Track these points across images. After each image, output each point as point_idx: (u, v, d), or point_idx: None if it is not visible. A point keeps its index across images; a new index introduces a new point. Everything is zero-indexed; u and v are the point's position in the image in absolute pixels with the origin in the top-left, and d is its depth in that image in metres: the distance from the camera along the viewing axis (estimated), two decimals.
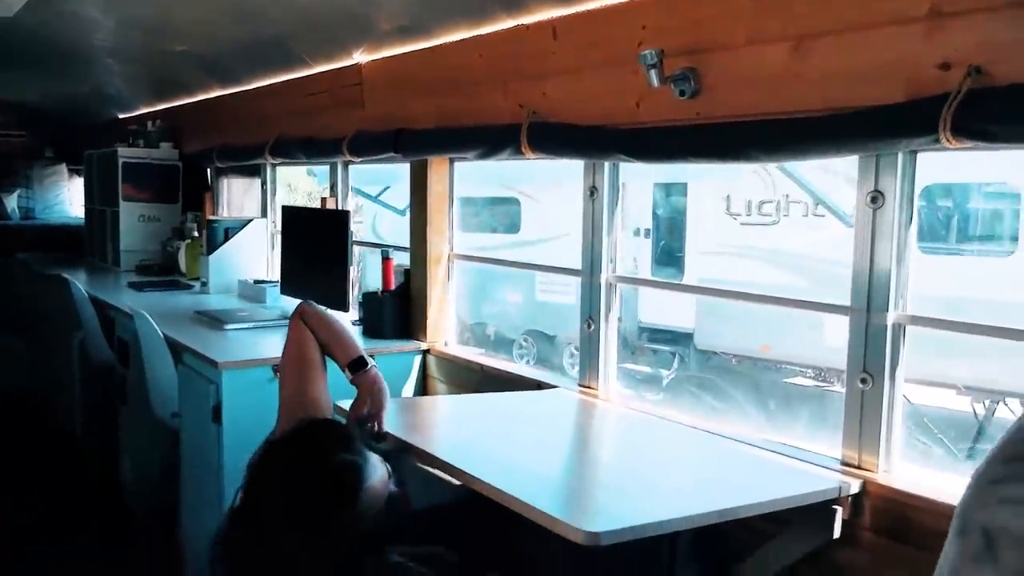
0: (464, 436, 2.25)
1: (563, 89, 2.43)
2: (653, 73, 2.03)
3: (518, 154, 2.54)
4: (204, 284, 4.35)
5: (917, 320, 1.79)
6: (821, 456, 1.94)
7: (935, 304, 2.01)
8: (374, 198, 9.12)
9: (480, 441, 2.15)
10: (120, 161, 5.13)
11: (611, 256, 2.48)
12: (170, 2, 3.52)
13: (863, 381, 1.84)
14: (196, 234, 4.78)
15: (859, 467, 1.84)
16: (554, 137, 2.42)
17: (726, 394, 6.84)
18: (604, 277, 2.49)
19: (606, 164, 2.45)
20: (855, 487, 1.78)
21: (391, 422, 2.04)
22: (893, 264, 1.78)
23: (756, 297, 2.43)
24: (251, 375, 2.79)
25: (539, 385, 2.62)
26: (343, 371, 2.09)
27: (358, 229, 9.45)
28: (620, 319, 2.52)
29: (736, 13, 1.95)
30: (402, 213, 8.94)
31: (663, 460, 2.01)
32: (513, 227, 8.75)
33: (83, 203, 6.24)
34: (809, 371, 6.74)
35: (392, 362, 3.05)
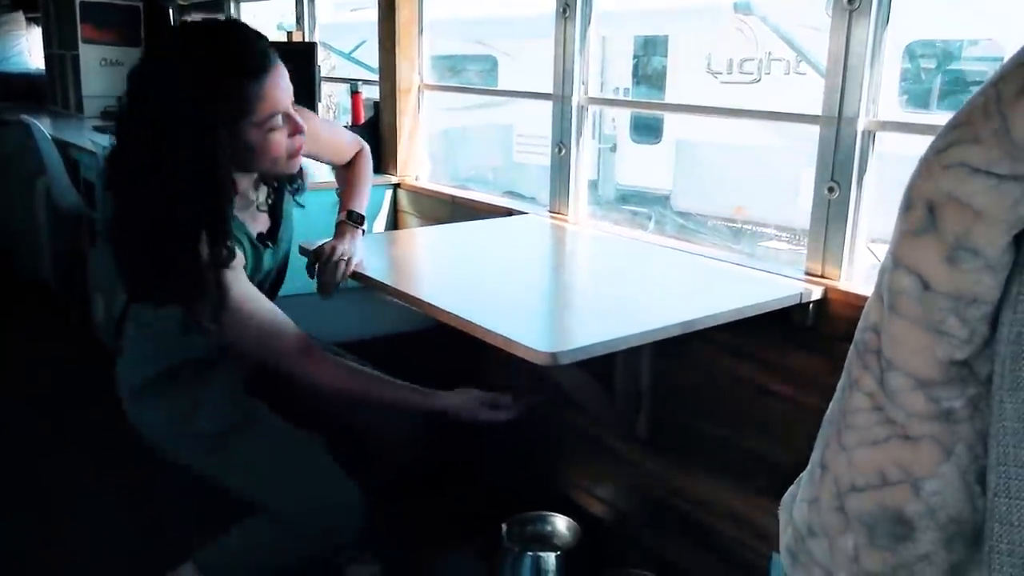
0: (431, 267, 2.25)
1: None
2: None
3: None
4: None
5: (887, 125, 1.76)
6: (786, 269, 1.96)
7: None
8: (347, 55, 8.84)
9: (446, 271, 2.14)
10: (77, 2, 4.89)
11: (583, 78, 2.42)
12: None
13: (830, 190, 1.83)
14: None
15: (822, 276, 1.86)
16: None
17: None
18: (576, 99, 2.43)
19: None
20: (816, 294, 1.80)
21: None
22: (867, 68, 1.74)
23: (729, 112, 2.38)
24: None
25: (509, 213, 2.60)
26: (340, 213, 2.02)
27: (333, 91, 9.25)
28: (596, 179, 2.48)
29: None
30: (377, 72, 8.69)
31: (629, 278, 2.01)
32: (491, 84, 8.54)
33: (42, 51, 5.99)
34: (784, 235, 6.78)
35: None
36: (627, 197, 7.46)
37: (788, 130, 6.50)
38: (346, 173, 2.14)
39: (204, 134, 1.46)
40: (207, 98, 1.45)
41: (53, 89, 5.59)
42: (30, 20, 6.73)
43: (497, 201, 2.73)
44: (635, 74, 7.63)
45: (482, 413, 1.73)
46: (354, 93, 3.27)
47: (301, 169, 1.81)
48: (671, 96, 7.14)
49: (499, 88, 7.27)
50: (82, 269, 3.99)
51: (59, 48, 5.38)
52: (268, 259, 1.83)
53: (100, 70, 5.05)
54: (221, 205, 1.53)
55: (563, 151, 2.48)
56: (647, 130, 7.55)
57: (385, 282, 1.87)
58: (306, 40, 3.77)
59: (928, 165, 0.60)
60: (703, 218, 7.14)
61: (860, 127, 1.77)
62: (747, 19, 6.93)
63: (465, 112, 8.12)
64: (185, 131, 1.45)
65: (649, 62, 7.71)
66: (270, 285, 1.88)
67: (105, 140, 4.03)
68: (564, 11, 2.40)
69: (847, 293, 1.78)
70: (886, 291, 0.65)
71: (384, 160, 3.13)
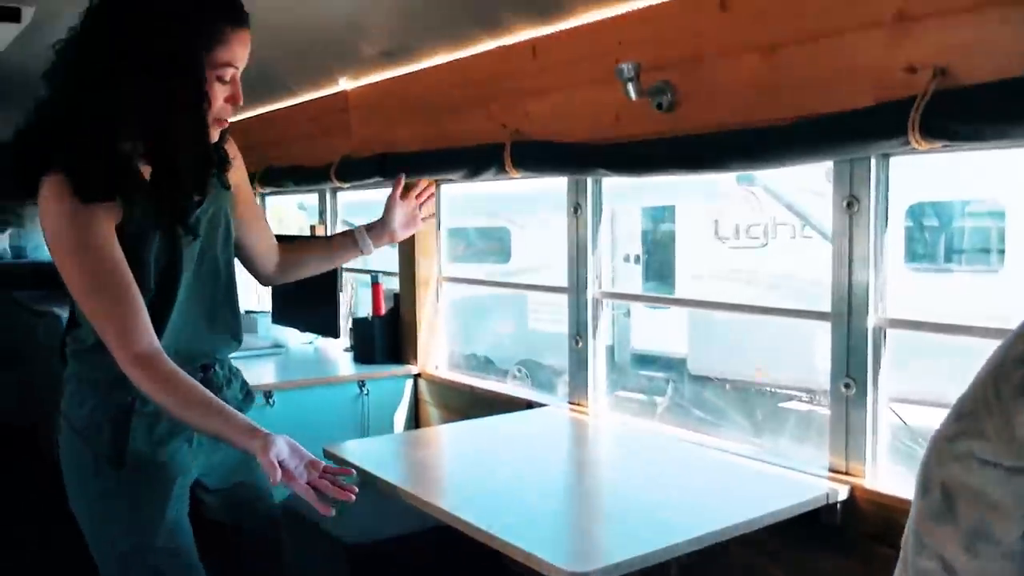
0: (450, 470, 2.24)
1: (544, 107, 2.45)
2: (631, 86, 2.05)
3: (502, 173, 2.56)
4: None
5: (897, 323, 1.80)
6: (809, 464, 1.94)
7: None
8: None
9: (466, 473, 2.13)
10: None
11: (597, 272, 2.50)
12: None
13: (846, 386, 1.84)
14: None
15: (847, 473, 1.84)
16: (537, 155, 2.45)
17: (720, 413, 6.82)
18: (590, 293, 2.50)
19: (589, 180, 2.47)
20: (843, 493, 1.78)
21: (380, 461, 2.03)
22: (871, 268, 1.80)
23: (739, 307, 2.43)
24: None
25: (529, 404, 2.62)
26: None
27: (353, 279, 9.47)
28: (612, 344, 2.53)
29: (707, 26, 1.98)
30: (391, 244, 8.95)
31: (654, 479, 1.99)
32: (503, 256, 8.78)
33: None
34: (803, 395, 6.74)
35: (384, 387, 3.06)
36: (643, 362, 7.48)
37: (800, 292, 6.59)
38: (294, 252, 2.02)
39: (183, 51, 1.47)
40: (186, 17, 1.48)
41: None
42: None
43: (516, 392, 2.75)
44: (644, 240, 7.82)
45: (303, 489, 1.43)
46: (374, 284, 3.37)
47: (225, 145, 1.71)
48: (680, 260, 7.29)
49: (517, 282, 7.46)
50: None
51: None
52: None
53: None
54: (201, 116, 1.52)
55: (580, 343, 2.52)
56: (659, 292, 7.64)
57: (405, 488, 1.87)
58: (328, 234, 3.92)
59: (939, 451, 0.62)
60: (721, 382, 7.12)
61: (870, 324, 1.81)
62: (752, 188, 7.13)
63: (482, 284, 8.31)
64: (164, 45, 1.46)
65: (657, 227, 7.92)
66: (167, 265, 1.62)
67: None
68: (575, 210, 2.51)
69: (874, 492, 1.76)
70: (912, 570, 0.66)
71: (403, 350, 3.19)
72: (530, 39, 2.48)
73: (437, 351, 3.17)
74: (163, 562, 1.63)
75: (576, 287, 2.53)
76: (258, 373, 3.18)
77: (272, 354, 3.44)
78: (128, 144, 1.54)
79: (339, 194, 3.96)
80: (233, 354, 3.12)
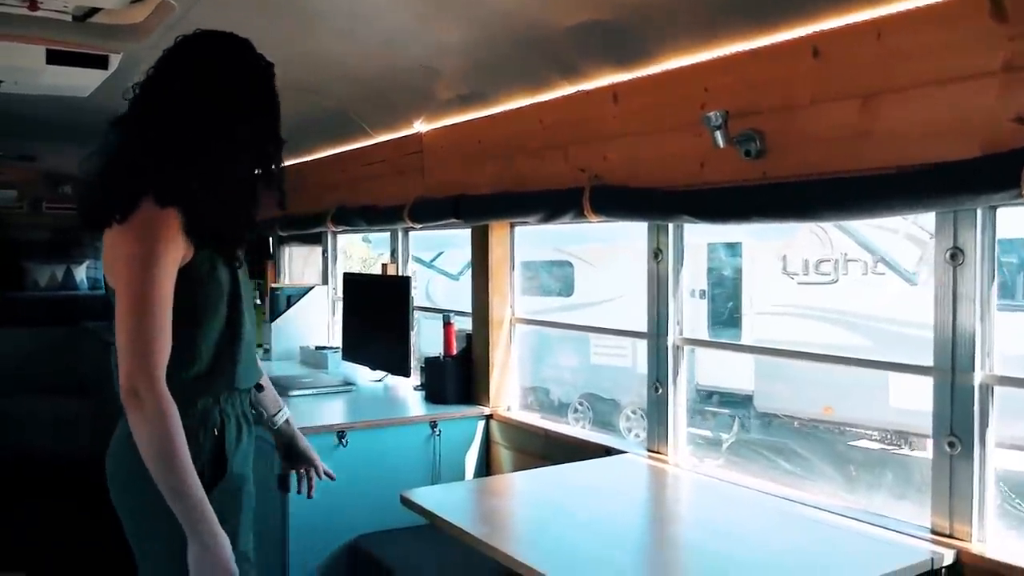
0: (524, 516, 2.21)
1: (625, 152, 2.44)
2: (718, 134, 2.03)
3: (580, 217, 2.55)
4: (267, 351, 4.41)
5: (1006, 380, 1.72)
6: (907, 524, 1.86)
7: (1015, 363, 1.93)
8: (428, 263, 9.23)
9: (541, 521, 2.09)
10: None
11: (677, 318, 2.46)
12: None
13: (951, 445, 1.76)
14: (259, 302, 4.87)
15: (951, 536, 1.76)
16: (617, 200, 2.43)
17: (792, 458, 6.66)
18: (671, 339, 2.46)
19: (670, 226, 2.44)
20: (949, 558, 1.70)
21: (454, 508, 2.01)
22: (977, 322, 1.73)
23: (830, 359, 2.36)
24: (315, 442, 2.73)
25: (606, 451, 2.58)
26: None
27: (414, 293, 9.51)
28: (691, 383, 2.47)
29: (799, 73, 1.95)
30: (456, 278, 9.02)
31: (739, 538, 1.92)
32: (567, 290, 8.76)
33: None
34: (875, 434, 6.54)
35: (455, 428, 3.04)
36: (709, 398, 7.36)
37: (875, 331, 6.42)
38: None
39: (272, 108, 1.77)
40: (270, 82, 1.78)
41: None
42: None
43: (592, 437, 2.70)
44: (710, 275, 7.72)
45: None
46: (447, 324, 3.37)
47: None
48: (747, 296, 7.18)
49: (584, 320, 7.44)
50: None
51: None
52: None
53: None
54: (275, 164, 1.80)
55: (660, 390, 2.47)
56: (725, 330, 7.53)
57: (478, 536, 1.85)
58: (400, 274, 3.95)
59: None
60: (789, 419, 6.96)
61: (977, 381, 1.73)
62: (822, 224, 7.00)
63: (543, 315, 8.30)
64: (260, 101, 1.75)
65: (724, 263, 7.82)
66: (232, 296, 1.77)
67: None
68: (656, 256, 2.48)
69: (983, 558, 1.68)
70: None
71: (476, 391, 3.17)
72: (610, 84, 2.47)
73: (509, 392, 3.15)
74: (250, 571, 1.75)
75: (656, 333, 2.49)
76: (329, 411, 3.19)
77: (343, 392, 3.45)
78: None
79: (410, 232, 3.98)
80: (306, 391, 3.24)
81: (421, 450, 2.98)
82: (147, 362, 1.54)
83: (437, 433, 3.00)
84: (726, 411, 7.25)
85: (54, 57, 3.19)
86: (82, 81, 3.40)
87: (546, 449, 2.82)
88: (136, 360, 1.54)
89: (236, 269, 1.76)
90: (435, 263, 9.38)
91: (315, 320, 4.48)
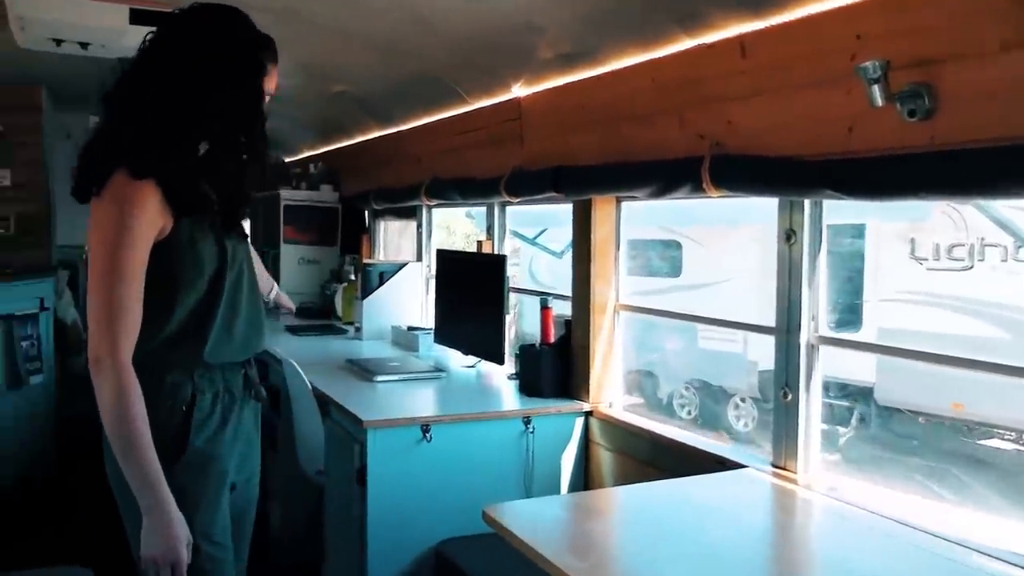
0: (625, 544, 1.88)
1: (753, 115, 2.07)
2: (876, 89, 1.65)
3: (698, 191, 2.20)
4: (358, 329, 4.23)
5: None
6: None
7: None
8: (531, 240, 8.95)
9: (644, 551, 1.75)
10: (282, 204, 5.15)
11: (812, 312, 2.09)
12: (331, 45, 3.44)
13: None
14: (352, 277, 4.70)
15: None
16: (743, 171, 2.07)
17: (917, 457, 6.12)
18: (804, 337, 2.09)
19: (806, 203, 2.07)
20: None
21: (544, 530, 1.76)
22: None
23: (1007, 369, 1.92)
24: (398, 435, 2.56)
25: (721, 462, 2.24)
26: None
27: (515, 273, 9.27)
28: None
29: (988, 10, 1.55)
30: (560, 256, 8.71)
31: None
32: (674, 271, 8.34)
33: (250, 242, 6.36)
34: (1009, 433, 5.95)
35: (551, 424, 2.76)
36: (825, 388, 6.86)
37: (1015, 323, 5.79)
38: None
39: (250, 77, 1.71)
40: (251, 50, 1.72)
41: None
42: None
43: (704, 444, 2.36)
44: (828, 258, 7.13)
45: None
46: (544, 308, 3.08)
47: None
48: (869, 282, 6.63)
49: (708, 315, 7.01)
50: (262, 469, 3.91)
51: (264, 245, 5.66)
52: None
53: (297, 268, 5.23)
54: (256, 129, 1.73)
55: (788, 396, 2.11)
56: (845, 318, 6.99)
57: (568, 569, 1.55)
58: (495, 252, 3.68)
59: None
60: (913, 415, 6.42)
61: None
62: (955, 204, 6.38)
63: (648, 297, 7.93)
64: (236, 71, 1.69)
65: (844, 246, 7.26)
66: (216, 269, 1.77)
67: (294, 343, 4.10)
68: (788, 237, 2.11)
69: None
70: None
71: (575, 385, 2.87)
72: (737, 35, 2.10)
73: (612, 387, 2.83)
74: (218, 554, 1.76)
75: (786, 328, 2.13)
76: (414, 400, 2.96)
77: (432, 378, 3.21)
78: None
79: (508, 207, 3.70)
80: (395, 376, 3.25)
81: (513, 448, 2.71)
82: (110, 332, 1.58)
83: (531, 430, 2.72)
84: (843, 403, 6.76)
85: (137, 16, 3.03)
86: None
87: (652, 454, 2.51)
88: (100, 330, 1.58)
89: (226, 242, 1.75)
90: (538, 240, 9.10)
91: (408, 299, 4.26)
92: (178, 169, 1.65)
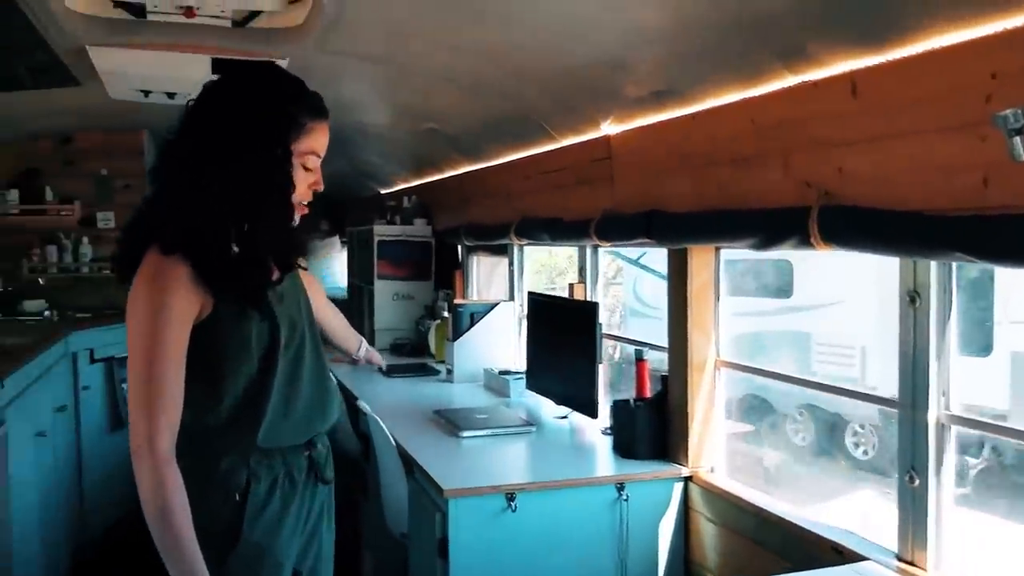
0: None
1: (867, 162, 1.83)
2: (1018, 142, 1.40)
3: (804, 245, 1.97)
4: (449, 372, 4.11)
5: None
6: None
7: None
8: (634, 261, 8.72)
9: None
10: (376, 239, 5.11)
11: (943, 387, 1.82)
12: (421, 86, 3.38)
13: None
14: (446, 314, 4.59)
15: None
16: (857, 226, 1.82)
17: None
18: (933, 415, 1.82)
19: (933, 263, 1.81)
20: None
21: None
22: None
23: None
24: (482, 504, 2.41)
25: (838, 551, 1.98)
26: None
27: (617, 291, 9.02)
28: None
29: None
30: (664, 278, 8.43)
31: None
32: (783, 291, 7.94)
33: (346, 278, 6.39)
34: None
35: (647, 491, 2.55)
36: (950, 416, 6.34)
37: None
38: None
39: (272, 140, 1.61)
40: (276, 110, 1.62)
41: (350, 317, 5.83)
42: (343, 243, 7.31)
43: (817, 528, 2.10)
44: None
45: None
46: (639, 360, 2.88)
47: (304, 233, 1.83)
48: (1000, 303, 6.10)
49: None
50: (353, 514, 3.84)
51: (359, 280, 5.64)
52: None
53: (391, 304, 5.17)
54: (284, 206, 1.65)
55: (916, 481, 1.85)
56: (974, 341, 6.46)
57: None
58: (588, 298, 3.50)
59: None
60: None
61: None
62: None
63: (755, 319, 7.56)
64: (255, 135, 1.59)
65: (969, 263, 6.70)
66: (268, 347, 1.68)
67: (385, 386, 4.03)
68: (912, 300, 1.85)
69: None
70: None
71: (672, 445, 2.65)
72: (848, 72, 1.86)
73: (713, 450, 2.60)
74: None
75: (911, 403, 1.86)
76: (504, 460, 2.81)
77: (522, 433, 3.05)
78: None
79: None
80: (483, 431, 3.09)
81: (605, 517, 2.51)
82: (148, 420, 1.49)
83: (625, 498, 2.51)
84: (974, 431, 6.24)
85: (219, 66, 3.01)
86: None
87: (759, 532, 2.26)
88: (139, 418, 1.50)
89: (278, 316, 1.67)
90: (642, 260, 8.86)
91: (500, 339, 4.11)
92: (205, 241, 1.56)
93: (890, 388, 1.97)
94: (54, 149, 5.18)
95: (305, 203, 1.71)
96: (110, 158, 5.23)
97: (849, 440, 7.20)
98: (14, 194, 4.99)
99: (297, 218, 1.70)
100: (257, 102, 1.62)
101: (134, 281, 1.55)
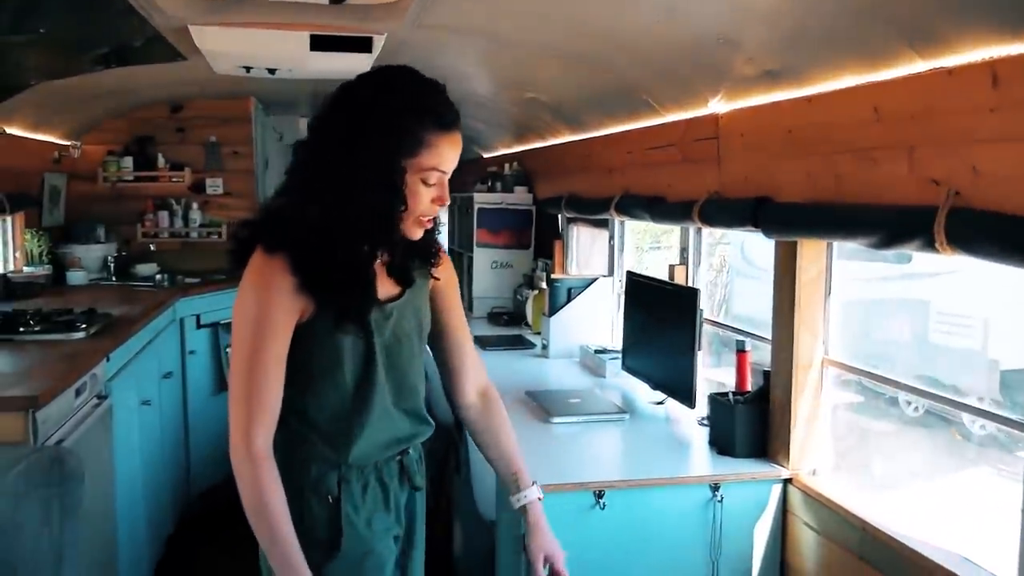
0: None
1: (1006, 161, 1.63)
2: None
3: (928, 248, 1.79)
4: (544, 347, 4.06)
5: None
6: None
7: None
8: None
9: None
10: (476, 206, 5.07)
11: None
12: (525, 59, 3.29)
13: None
14: (544, 285, 4.53)
15: None
16: (990, 232, 1.64)
17: None
18: None
19: None
20: None
21: None
22: None
23: None
24: (569, 500, 2.35)
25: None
26: (516, 485, 1.89)
27: (725, 251, 8.76)
28: None
29: None
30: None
31: None
32: (903, 255, 7.52)
33: (446, 244, 6.40)
34: None
35: (743, 493, 2.44)
36: None
37: None
38: (489, 419, 1.92)
39: (383, 155, 1.53)
40: (390, 124, 1.53)
41: None
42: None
43: (930, 551, 1.95)
44: None
45: None
46: (740, 352, 2.74)
47: (437, 242, 1.78)
48: None
49: (941, 310, 6.29)
50: (448, 483, 3.86)
51: (458, 246, 5.63)
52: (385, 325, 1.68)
53: (490, 272, 5.14)
54: (390, 221, 1.58)
55: None
56: None
57: None
58: (688, 283, 3.36)
59: None
60: None
61: None
62: None
63: (872, 285, 7.21)
64: (364, 149, 1.53)
65: None
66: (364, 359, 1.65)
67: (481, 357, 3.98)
68: None
69: None
70: None
71: (773, 445, 2.53)
72: (988, 60, 1.66)
73: (816, 452, 2.46)
74: None
75: None
76: (594, 451, 2.74)
77: (615, 420, 2.97)
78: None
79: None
80: (575, 418, 2.98)
81: (698, 519, 2.42)
82: (245, 420, 1.52)
83: (719, 499, 2.41)
84: None
85: (318, 43, 2.99)
86: (349, 65, 3.17)
87: (863, 547, 2.13)
88: (237, 417, 1.53)
89: (375, 336, 1.63)
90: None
91: (597, 316, 4.03)
92: (305, 241, 1.54)
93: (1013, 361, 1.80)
94: (166, 117, 5.32)
95: (428, 218, 1.63)
96: (219, 125, 5.34)
97: (967, 415, 6.84)
98: (128, 161, 5.17)
99: (417, 232, 1.63)
100: (373, 113, 1.54)
101: (243, 276, 1.56)
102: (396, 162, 1.54)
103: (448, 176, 1.62)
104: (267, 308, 1.52)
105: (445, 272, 1.84)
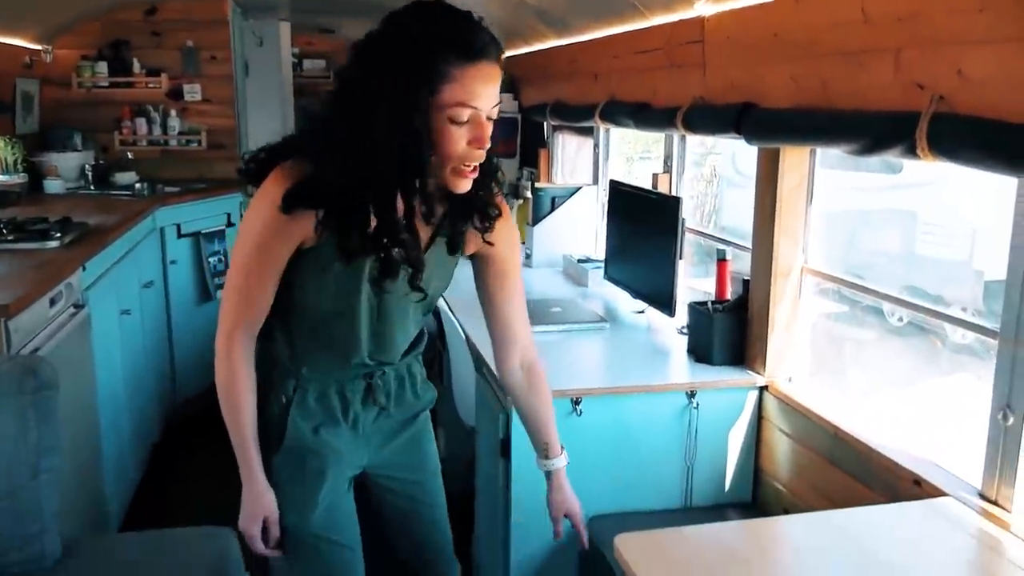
0: None
1: (993, 65, 1.59)
2: None
3: (910, 154, 1.76)
4: (527, 256, 4.04)
5: None
6: None
7: None
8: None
9: None
10: None
11: None
12: None
13: None
14: (528, 195, 4.48)
15: None
16: (972, 138, 1.61)
17: None
18: None
19: None
20: None
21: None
22: None
23: None
24: None
25: (917, 483, 1.87)
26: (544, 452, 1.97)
27: (716, 161, 8.68)
28: None
29: None
30: None
31: None
32: (892, 165, 7.47)
33: None
34: None
35: (719, 400, 2.47)
36: None
37: None
38: (529, 396, 1.91)
39: (403, 92, 1.40)
40: (411, 58, 1.41)
41: None
42: None
43: (897, 456, 1.98)
44: None
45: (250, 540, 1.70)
46: (720, 261, 2.73)
47: (496, 204, 1.67)
48: None
49: (928, 220, 6.24)
50: None
51: None
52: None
53: None
54: (415, 166, 1.46)
55: (1009, 419, 1.71)
56: None
57: None
58: (671, 192, 3.32)
59: None
60: None
61: None
62: None
63: (861, 195, 7.18)
64: (384, 87, 1.42)
65: None
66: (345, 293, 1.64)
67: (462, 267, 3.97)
68: None
69: None
70: None
71: (750, 352, 2.55)
72: None
73: (792, 360, 2.48)
74: (321, 546, 1.74)
75: (1014, 335, 1.70)
76: (573, 359, 2.75)
77: (595, 330, 2.98)
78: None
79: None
80: (555, 327, 2.99)
81: (674, 424, 2.45)
82: (227, 321, 1.60)
83: (695, 405, 2.44)
84: None
85: None
86: None
87: (834, 452, 2.17)
88: (226, 316, 1.61)
89: (367, 286, 1.62)
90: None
91: (581, 225, 4.01)
92: (322, 174, 1.49)
93: (997, 272, 1.81)
94: (141, 20, 5.15)
95: (468, 165, 1.49)
96: (195, 28, 5.17)
97: (949, 327, 6.89)
98: (103, 66, 5.02)
99: (461, 184, 1.50)
100: (395, 48, 1.42)
101: (260, 188, 1.55)
102: (416, 99, 1.40)
103: (485, 114, 1.47)
104: (274, 222, 1.51)
105: (503, 237, 1.71)
